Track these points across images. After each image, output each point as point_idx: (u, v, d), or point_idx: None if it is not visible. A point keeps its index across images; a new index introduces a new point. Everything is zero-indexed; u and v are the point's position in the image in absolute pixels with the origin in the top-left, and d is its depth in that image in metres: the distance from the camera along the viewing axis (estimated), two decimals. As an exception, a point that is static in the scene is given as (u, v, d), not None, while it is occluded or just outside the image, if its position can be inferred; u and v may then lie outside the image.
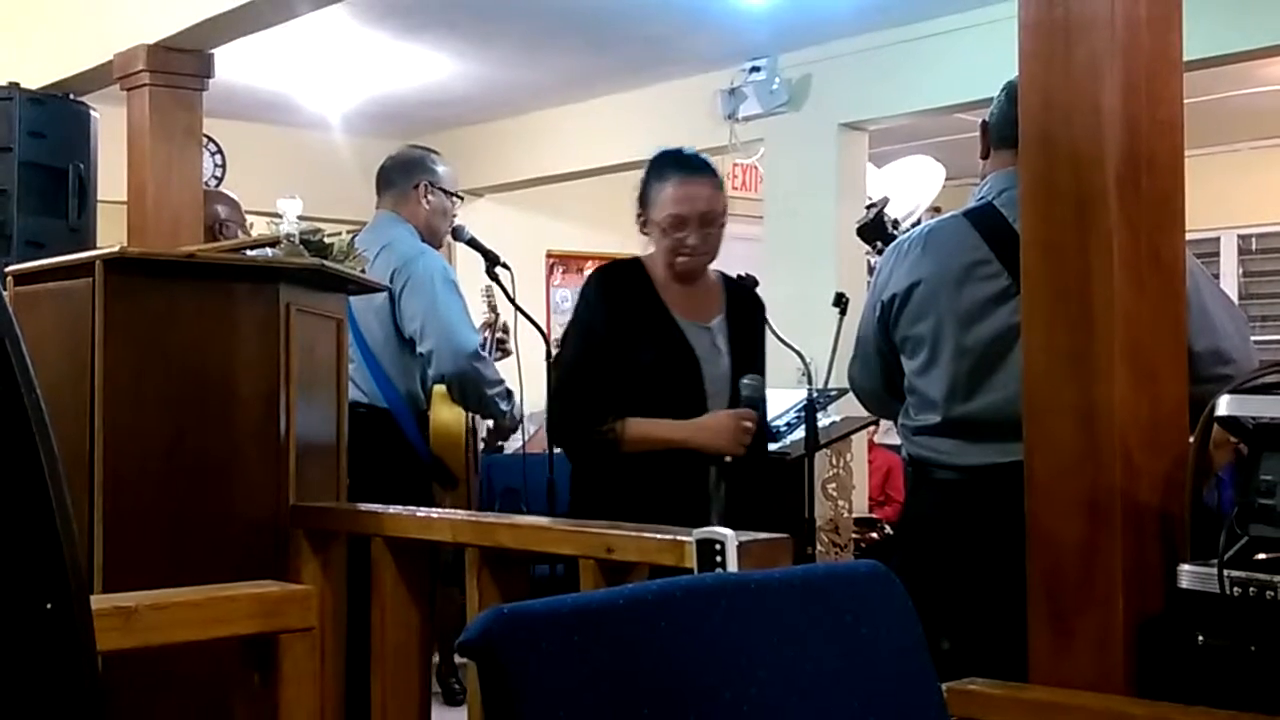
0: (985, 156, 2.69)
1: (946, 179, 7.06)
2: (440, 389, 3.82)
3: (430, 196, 3.95)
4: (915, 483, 2.84)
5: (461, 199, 4.11)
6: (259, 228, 4.35)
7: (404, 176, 3.98)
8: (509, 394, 3.91)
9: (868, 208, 4.14)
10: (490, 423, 4.25)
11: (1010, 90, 2.48)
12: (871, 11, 5.96)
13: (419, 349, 3.74)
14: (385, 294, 3.66)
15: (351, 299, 3.51)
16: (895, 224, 4.09)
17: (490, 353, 4.22)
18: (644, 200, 3.02)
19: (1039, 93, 2.04)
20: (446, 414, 3.85)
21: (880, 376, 2.81)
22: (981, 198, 2.63)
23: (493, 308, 4.33)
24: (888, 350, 2.75)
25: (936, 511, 2.65)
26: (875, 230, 3.99)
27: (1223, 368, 2.34)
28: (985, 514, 2.45)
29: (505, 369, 4.13)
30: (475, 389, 3.77)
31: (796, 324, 3.67)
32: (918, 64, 6.15)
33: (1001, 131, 2.56)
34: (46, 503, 1.11)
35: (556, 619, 1.15)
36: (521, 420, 4.22)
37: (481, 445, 4.42)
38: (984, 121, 2.69)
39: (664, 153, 3.07)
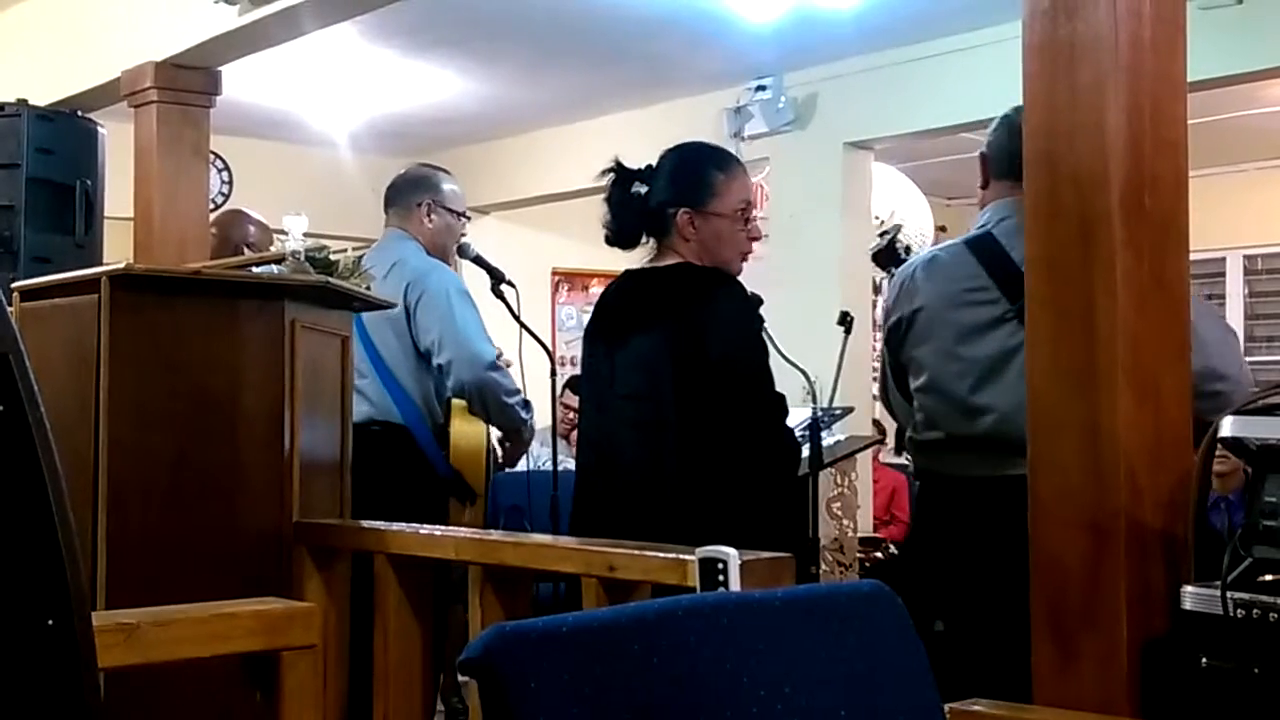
0: (985, 186, 2.77)
1: (951, 198, 7.06)
2: (459, 403, 3.83)
3: (434, 216, 3.94)
4: (922, 495, 2.94)
5: (468, 218, 4.10)
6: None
7: (408, 195, 3.98)
8: (527, 404, 3.93)
9: (881, 234, 4.20)
10: (500, 443, 4.23)
11: (1009, 124, 2.61)
12: (877, 31, 5.97)
13: (435, 361, 3.75)
14: (401, 309, 3.66)
15: (367, 315, 3.53)
16: (907, 250, 4.16)
17: None
18: (700, 192, 2.79)
19: (1043, 113, 2.04)
20: (466, 427, 3.85)
21: (899, 392, 2.90)
22: (982, 226, 2.70)
23: None
24: (898, 370, 2.85)
25: (942, 523, 2.71)
26: (888, 256, 4.07)
27: (1217, 384, 2.39)
28: (985, 526, 2.51)
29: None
30: (495, 398, 3.77)
31: (800, 342, 3.66)
32: (923, 83, 6.16)
33: (1000, 164, 2.67)
34: (49, 518, 1.11)
35: (558, 637, 1.15)
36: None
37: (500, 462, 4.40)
38: (983, 153, 2.77)
39: (703, 145, 2.96)
